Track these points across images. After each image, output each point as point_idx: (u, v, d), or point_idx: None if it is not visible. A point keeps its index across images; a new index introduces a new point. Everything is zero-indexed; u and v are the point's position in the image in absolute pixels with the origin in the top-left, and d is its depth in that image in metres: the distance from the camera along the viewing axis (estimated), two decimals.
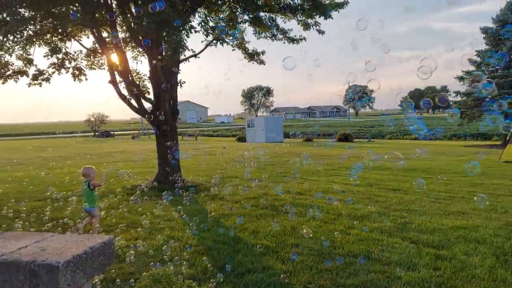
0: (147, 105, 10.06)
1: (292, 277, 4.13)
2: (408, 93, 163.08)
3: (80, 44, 10.31)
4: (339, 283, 3.94)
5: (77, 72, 10.20)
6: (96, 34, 9.13)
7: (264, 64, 10.80)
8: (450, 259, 4.54)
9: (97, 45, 9.89)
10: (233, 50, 10.57)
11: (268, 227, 5.97)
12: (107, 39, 9.45)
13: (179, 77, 9.89)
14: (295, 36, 10.14)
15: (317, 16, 9.36)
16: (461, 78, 27.57)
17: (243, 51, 10.57)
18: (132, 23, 8.24)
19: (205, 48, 10.09)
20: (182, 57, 9.82)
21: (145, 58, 10.30)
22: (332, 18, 9.35)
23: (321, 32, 9.99)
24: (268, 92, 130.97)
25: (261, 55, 10.64)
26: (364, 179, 10.50)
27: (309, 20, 9.65)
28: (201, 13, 10.41)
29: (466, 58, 27.48)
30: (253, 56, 10.56)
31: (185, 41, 8.71)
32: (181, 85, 9.94)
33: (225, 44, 10.25)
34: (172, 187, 7.35)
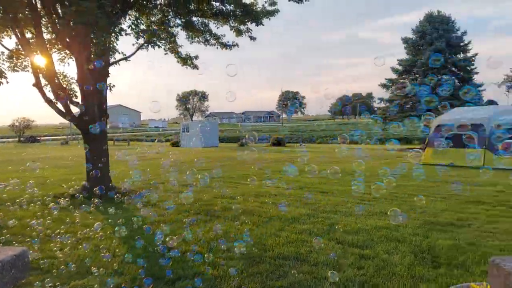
0: (76, 110, 9.50)
1: (223, 282, 4.11)
2: (336, 99, 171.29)
3: (1, 44, 9.51)
4: (268, 285, 4.00)
5: None
6: (19, 35, 8.46)
7: (197, 69, 10.71)
8: (373, 258, 4.80)
9: (20, 47, 9.15)
10: (166, 54, 10.35)
11: (200, 233, 5.89)
12: (31, 40, 8.79)
13: (109, 80, 9.47)
14: (228, 41, 10.21)
15: (249, 22, 9.50)
16: (384, 86, 29.57)
17: (176, 55, 10.40)
18: (58, 24, 7.73)
19: (136, 51, 9.77)
20: (112, 60, 9.41)
21: (73, 60, 9.72)
22: (263, 25, 9.56)
23: (252, 38, 10.15)
24: (203, 96, 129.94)
25: (194, 59, 10.54)
26: (295, 182, 10.81)
27: (242, 26, 9.77)
28: (132, 16, 10.08)
29: (389, 66, 29.56)
30: (186, 60, 10.43)
31: (114, 43, 8.37)
32: (110, 89, 9.52)
33: (158, 48, 10.01)
34: (101, 194, 6.97)
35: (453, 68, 27.81)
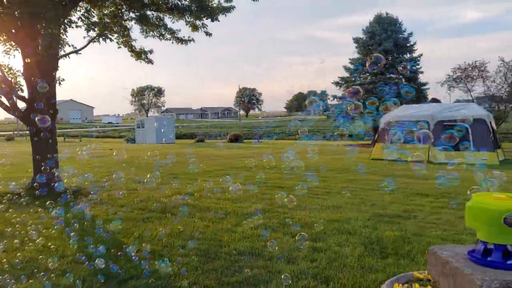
0: (22, 104, 8.99)
1: (178, 279, 4.09)
2: (292, 96, 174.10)
3: None
4: (223, 281, 4.03)
5: None
6: None
7: (152, 63, 10.47)
8: (325, 250, 4.96)
9: None
10: (119, 47, 10.03)
11: (155, 231, 5.82)
12: None
13: (59, 73, 9.03)
14: (184, 36, 10.06)
15: (205, 18, 9.41)
16: (337, 83, 30.42)
17: (130, 49, 10.10)
18: (2, 14, 7.27)
19: (87, 44, 9.38)
20: (61, 52, 9.00)
21: (19, 52, 9.17)
22: (219, 21, 9.51)
23: (208, 34, 10.07)
24: (159, 92, 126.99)
25: (148, 54, 10.30)
26: (251, 178, 10.89)
27: (197, 22, 9.66)
28: (83, 7, 9.65)
29: (341, 65, 30.45)
30: (140, 54, 10.16)
31: (64, 36, 8.01)
32: (60, 83, 9.08)
33: (110, 41, 9.68)
34: (50, 192, 6.66)
35: (400, 68, 29.18)
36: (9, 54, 9.61)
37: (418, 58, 29.69)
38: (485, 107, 23.61)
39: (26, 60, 8.22)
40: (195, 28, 9.76)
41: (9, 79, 9.14)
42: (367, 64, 3.06)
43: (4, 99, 8.48)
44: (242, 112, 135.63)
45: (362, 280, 4.03)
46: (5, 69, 9.30)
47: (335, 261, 4.57)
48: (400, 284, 2.34)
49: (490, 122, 15.62)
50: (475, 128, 14.54)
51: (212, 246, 5.08)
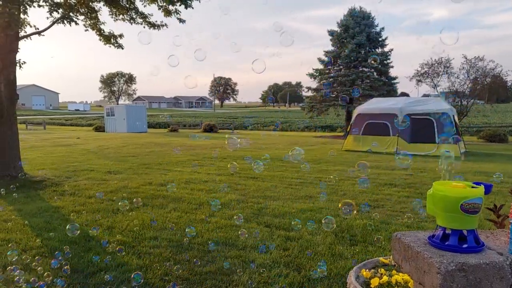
0: None
1: (148, 271, 3.99)
2: (268, 87, 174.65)
3: None
4: (196, 271, 3.96)
5: None
6: None
7: (122, 49, 10.10)
8: (298, 239, 4.97)
9: None
10: (86, 30, 9.61)
11: (125, 222, 5.66)
12: None
13: (19, 56, 8.56)
14: (156, 21, 9.75)
15: (178, 3, 9.14)
16: (312, 75, 30.58)
17: (98, 33, 9.69)
18: None
19: (50, 25, 8.91)
20: (22, 33, 8.52)
21: None
22: (192, 8, 9.26)
23: (182, 21, 9.79)
24: (130, 79, 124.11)
25: (118, 38, 9.92)
26: (225, 168, 10.82)
27: (170, 7, 9.37)
28: None
29: (316, 57, 30.64)
30: (110, 38, 9.78)
31: (25, 16, 7.56)
32: (20, 66, 8.62)
33: (76, 25, 9.24)
34: (10, 182, 6.36)
35: (372, 62, 29.68)
36: None
37: (389, 53, 30.25)
38: (449, 102, 24.61)
39: None
40: (168, 13, 9.46)
41: None
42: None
43: None
44: (217, 102, 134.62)
45: (333, 267, 4.07)
46: None
47: (306, 249, 4.60)
48: (367, 270, 2.42)
49: (453, 116, 16.23)
50: (439, 122, 15.13)
51: (185, 237, 4.98)
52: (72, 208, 6.45)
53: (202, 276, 3.89)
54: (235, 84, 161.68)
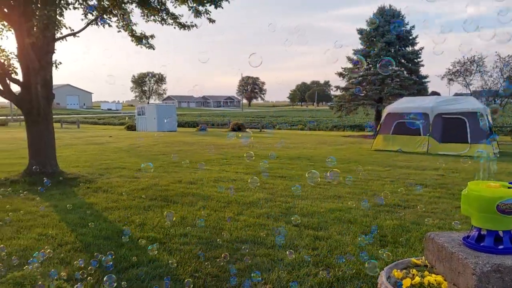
0: (16, 88, 8.88)
1: (179, 267, 4.06)
2: (296, 86, 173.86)
3: None
4: (226, 269, 4.00)
5: None
6: None
7: (153, 49, 10.33)
8: (326, 239, 4.94)
9: None
10: (119, 31, 9.89)
11: (156, 219, 5.79)
12: None
13: (55, 57, 8.90)
14: (186, 22, 9.91)
15: (208, 4, 9.26)
16: (340, 74, 30.18)
17: (130, 34, 9.95)
18: None
19: (85, 27, 9.21)
20: (58, 35, 8.85)
21: (12, 33, 9.03)
22: (222, 8, 9.36)
23: (212, 21, 9.91)
24: (160, 79, 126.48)
25: (150, 38, 10.15)
26: (254, 167, 10.86)
27: (200, 7, 9.50)
28: None
29: (345, 56, 30.20)
30: (141, 39, 10.02)
31: (61, 18, 7.86)
32: (56, 66, 8.96)
33: (109, 26, 9.53)
34: (46, 179, 6.62)
35: (403, 60, 28.94)
36: (1, 34, 9.44)
37: (420, 51, 29.45)
38: (482, 101, 23.75)
39: (20, 42, 8.06)
40: (197, 13, 9.61)
41: (2, 61, 9.02)
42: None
43: None
44: (244, 101, 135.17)
45: (362, 268, 4.01)
46: None
47: (336, 249, 4.56)
48: (398, 270, 2.38)
49: (487, 115, 15.63)
50: (472, 122, 14.59)
51: (214, 235, 5.04)
52: (105, 205, 6.65)
53: (232, 273, 3.92)
54: (263, 83, 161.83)
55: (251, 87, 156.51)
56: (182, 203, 6.78)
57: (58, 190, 7.70)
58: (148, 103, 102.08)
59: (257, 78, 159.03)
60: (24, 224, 5.49)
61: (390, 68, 3.52)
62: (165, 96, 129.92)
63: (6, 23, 8.84)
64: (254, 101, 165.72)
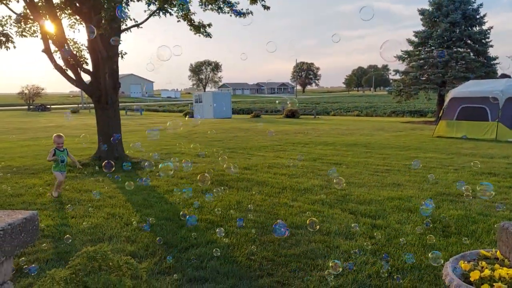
0: (87, 78, 9.51)
1: (236, 249, 4.18)
2: (352, 71, 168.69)
3: (9, 8, 9.37)
4: (281, 253, 4.05)
5: (3, 39, 9.33)
6: None
7: (210, 37, 10.52)
8: (385, 227, 4.81)
9: (28, 10, 9.05)
10: (178, 21, 10.16)
11: (213, 202, 5.97)
12: (39, 4, 8.69)
13: (121, 47, 9.40)
14: (242, 9, 9.95)
15: None
16: (400, 57, 28.76)
17: (189, 23, 10.20)
18: None
19: (148, 18, 9.60)
20: (123, 26, 9.31)
21: (83, 26, 9.64)
22: None
23: (266, 7, 9.89)
24: (216, 67, 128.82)
25: (207, 27, 10.34)
26: (308, 154, 10.79)
27: None
28: None
29: (405, 38, 28.70)
30: (199, 28, 10.24)
31: (126, 9, 8.25)
32: (122, 56, 9.46)
33: (170, 15, 9.85)
34: (114, 163, 7.06)
35: (469, 41, 26.92)
36: (73, 28, 10.12)
37: (488, 31, 27.15)
38: None
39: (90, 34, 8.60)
40: (253, 0, 9.62)
41: (74, 52, 9.66)
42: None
43: (70, 72, 8.99)
44: (299, 88, 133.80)
45: (424, 258, 3.87)
46: (70, 42, 9.82)
47: (395, 239, 4.43)
48: (465, 262, 2.25)
49: None
50: None
51: (269, 219, 5.11)
52: (166, 188, 6.97)
53: (287, 258, 3.96)
54: (318, 69, 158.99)
55: (306, 73, 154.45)
56: (238, 188, 6.92)
57: (123, 173, 8.18)
58: (204, 90, 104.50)
59: (312, 64, 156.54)
60: (94, 204, 5.92)
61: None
62: (220, 83, 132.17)
63: (78, 17, 9.44)
64: (308, 87, 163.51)
